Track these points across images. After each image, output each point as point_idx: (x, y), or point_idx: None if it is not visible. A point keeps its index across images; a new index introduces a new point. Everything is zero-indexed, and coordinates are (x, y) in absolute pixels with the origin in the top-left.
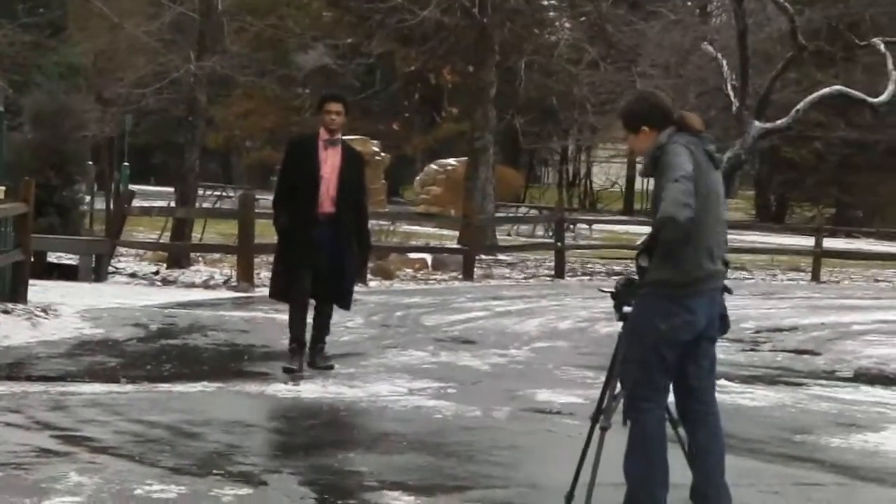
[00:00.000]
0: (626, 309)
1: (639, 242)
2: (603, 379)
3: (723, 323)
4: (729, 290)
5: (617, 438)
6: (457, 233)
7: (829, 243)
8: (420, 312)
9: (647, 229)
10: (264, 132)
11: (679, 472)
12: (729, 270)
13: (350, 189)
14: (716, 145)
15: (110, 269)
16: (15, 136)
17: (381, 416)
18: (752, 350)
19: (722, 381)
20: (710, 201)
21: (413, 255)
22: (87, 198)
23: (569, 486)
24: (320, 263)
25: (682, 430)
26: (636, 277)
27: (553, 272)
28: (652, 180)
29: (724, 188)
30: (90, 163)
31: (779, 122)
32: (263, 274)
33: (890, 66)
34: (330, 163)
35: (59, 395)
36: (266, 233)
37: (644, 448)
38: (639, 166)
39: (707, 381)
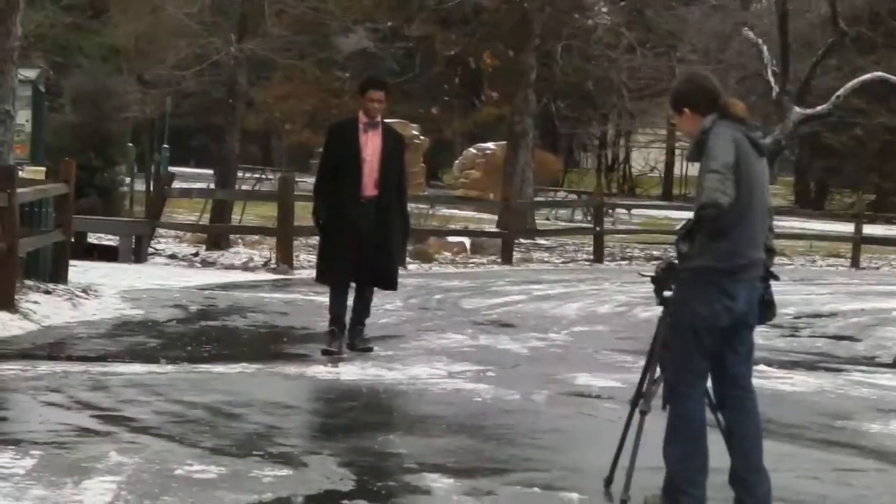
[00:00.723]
0: (666, 293)
1: (679, 227)
2: (642, 363)
3: (769, 310)
4: (776, 277)
5: (657, 422)
6: (495, 217)
7: (869, 229)
8: (459, 296)
9: (686, 214)
10: (304, 115)
11: (718, 456)
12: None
13: (392, 171)
14: (761, 133)
15: (150, 250)
16: (56, 117)
17: (420, 398)
18: (791, 336)
19: (761, 367)
20: (755, 190)
21: (452, 239)
22: (128, 179)
23: (608, 470)
24: (363, 246)
25: (720, 416)
26: (676, 262)
27: (592, 257)
28: (692, 166)
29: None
30: (130, 144)
31: (819, 108)
32: (302, 256)
33: None
34: (371, 146)
35: (99, 376)
36: (305, 215)
37: (684, 433)
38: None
39: (745, 368)
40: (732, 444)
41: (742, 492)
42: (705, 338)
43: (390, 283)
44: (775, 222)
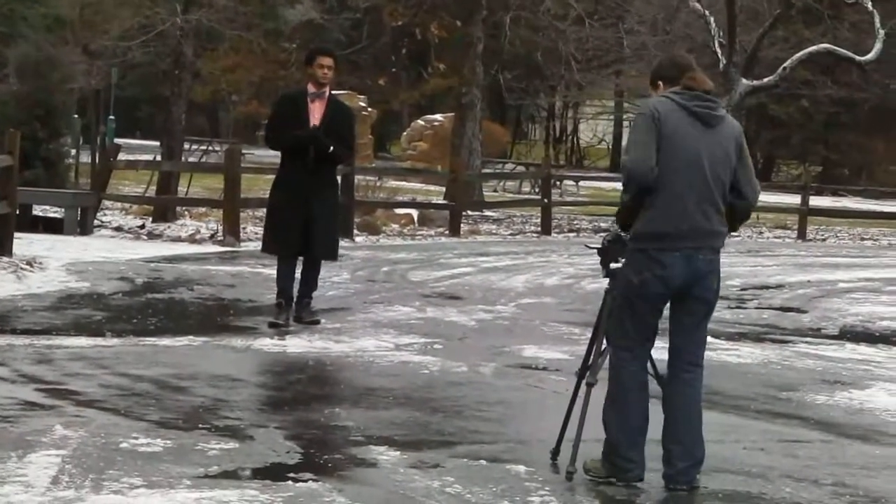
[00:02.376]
0: (613, 265)
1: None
2: (589, 335)
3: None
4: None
5: (603, 394)
6: (443, 188)
7: (816, 201)
8: (406, 268)
9: None
10: (251, 86)
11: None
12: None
13: (335, 142)
14: (713, 104)
15: (96, 222)
16: (0, 88)
17: (367, 371)
18: (738, 307)
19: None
20: (688, 159)
21: (400, 211)
22: (73, 151)
23: (555, 442)
24: (308, 217)
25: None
26: (623, 234)
27: (539, 228)
28: None
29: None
30: (76, 116)
31: (766, 79)
32: (249, 228)
33: (877, 23)
34: (317, 115)
35: (44, 349)
36: (252, 187)
37: (621, 399)
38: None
39: (686, 340)
40: (664, 412)
41: (664, 460)
42: (639, 306)
43: (330, 253)
44: None
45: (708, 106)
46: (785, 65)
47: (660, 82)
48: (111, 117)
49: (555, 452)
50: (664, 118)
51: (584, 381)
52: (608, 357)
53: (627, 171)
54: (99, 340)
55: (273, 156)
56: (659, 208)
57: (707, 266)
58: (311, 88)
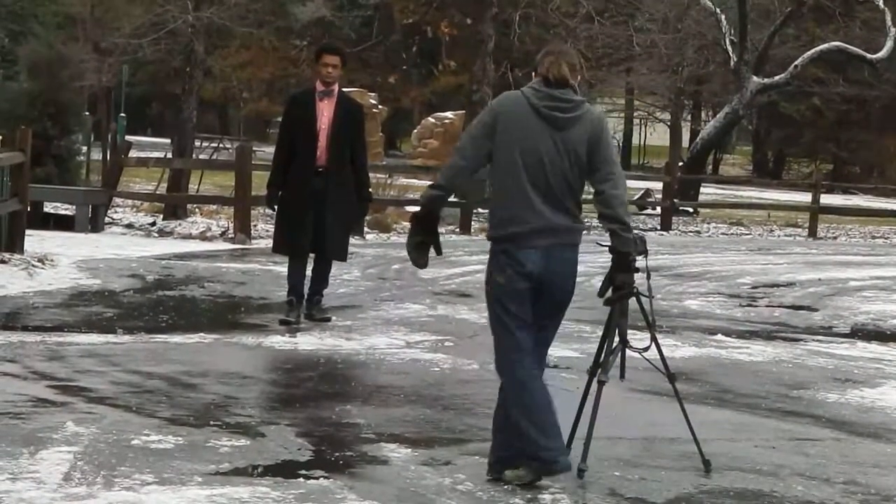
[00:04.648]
0: None
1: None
2: (600, 333)
3: (615, 284)
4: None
5: (614, 392)
6: None
7: (826, 199)
8: None
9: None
10: (262, 83)
11: (672, 427)
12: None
13: (345, 141)
14: (566, 104)
15: (107, 219)
16: (11, 85)
17: (378, 368)
18: (749, 305)
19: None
20: (534, 158)
21: (410, 209)
22: (84, 148)
23: (566, 440)
24: (318, 216)
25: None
26: (636, 232)
27: None
28: (650, 135)
29: (721, 142)
30: (87, 113)
31: (777, 77)
32: (260, 226)
33: (888, 22)
34: (326, 115)
35: (55, 346)
36: (263, 185)
37: (519, 400)
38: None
39: (539, 338)
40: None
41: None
42: (508, 304)
43: (339, 254)
44: (727, 191)
45: (558, 107)
46: (796, 63)
47: (533, 73)
48: (122, 115)
49: (566, 450)
50: (505, 116)
51: (595, 379)
52: (619, 355)
53: (446, 163)
54: (110, 337)
55: None
56: (507, 209)
57: (563, 261)
58: (319, 87)
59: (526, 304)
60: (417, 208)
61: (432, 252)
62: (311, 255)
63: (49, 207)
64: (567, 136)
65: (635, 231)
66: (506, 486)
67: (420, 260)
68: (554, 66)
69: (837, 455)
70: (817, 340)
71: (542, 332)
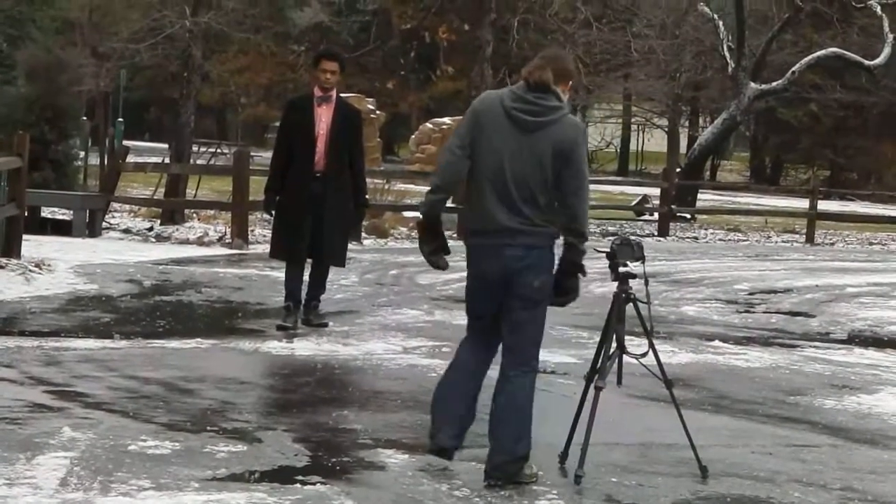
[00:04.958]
0: (622, 269)
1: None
2: (597, 338)
3: (562, 290)
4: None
5: (611, 398)
6: None
7: (824, 205)
8: (414, 271)
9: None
10: (259, 88)
11: (669, 433)
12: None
13: (343, 146)
14: (538, 107)
15: (104, 224)
16: (9, 90)
17: (375, 374)
18: (746, 311)
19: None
20: (496, 158)
21: (408, 214)
22: (82, 153)
23: (563, 446)
24: (316, 221)
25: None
26: (633, 238)
27: None
28: (648, 141)
29: (719, 148)
30: (85, 118)
31: (775, 83)
32: (258, 231)
33: (886, 28)
34: (325, 120)
35: (52, 351)
36: (260, 190)
37: (447, 370)
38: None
39: (510, 337)
40: (491, 418)
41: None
42: (473, 296)
43: (338, 260)
44: (725, 197)
45: (529, 110)
46: (794, 69)
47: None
48: (120, 119)
49: (563, 456)
50: (482, 114)
51: (592, 385)
52: (616, 361)
53: (438, 164)
54: (107, 342)
55: None
56: (472, 206)
57: (517, 262)
58: (317, 92)
59: (481, 302)
60: (419, 215)
61: (449, 258)
62: (309, 260)
63: (46, 212)
64: (534, 141)
65: (633, 237)
66: (503, 492)
67: (440, 262)
68: (537, 70)
69: (834, 461)
70: (814, 346)
71: (512, 335)
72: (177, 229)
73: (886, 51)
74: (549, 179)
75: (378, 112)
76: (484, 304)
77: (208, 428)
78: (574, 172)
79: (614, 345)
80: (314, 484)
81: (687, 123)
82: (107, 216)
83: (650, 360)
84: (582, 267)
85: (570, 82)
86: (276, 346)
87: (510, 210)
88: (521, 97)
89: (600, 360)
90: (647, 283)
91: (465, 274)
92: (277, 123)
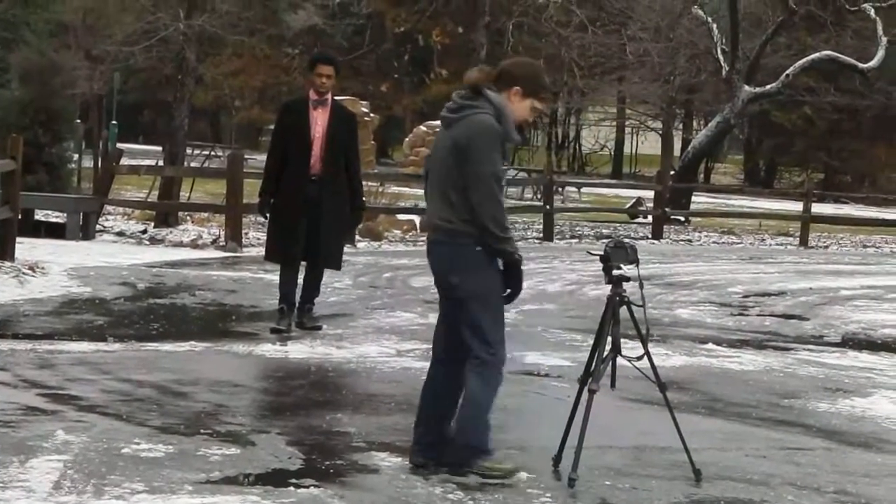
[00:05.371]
0: (615, 272)
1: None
2: (591, 342)
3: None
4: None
5: (605, 401)
6: None
7: (818, 208)
8: (408, 274)
9: (636, 192)
10: (253, 91)
11: (664, 435)
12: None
13: (339, 149)
14: (455, 105)
15: (98, 227)
16: (2, 93)
17: (369, 377)
18: (740, 314)
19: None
20: (433, 159)
21: (402, 217)
22: (76, 156)
23: (556, 449)
24: (311, 224)
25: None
26: (627, 241)
27: (541, 235)
28: (642, 143)
29: (713, 151)
30: (78, 120)
31: (769, 86)
32: (252, 234)
33: (880, 31)
34: (320, 123)
35: (46, 354)
36: (255, 192)
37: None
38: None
39: (447, 338)
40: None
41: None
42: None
43: (333, 263)
44: (719, 200)
45: (449, 107)
46: (787, 72)
47: None
48: (113, 122)
49: (557, 459)
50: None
51: (586, 388)
52: (610, 364)
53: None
54: (101, 345)
55: None
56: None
57: (437, 256)
58: (313, 96)
59: (440, 297)
60: (517, 258)
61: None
62: (304, 263)
63: (40, 215)
64: (448, 137)
65: (626, 240)
66: (497, 495)
67: None
68: (474, 70)
69: (828, 464)
70: (808, 349)
71: (456, 325)
72: (171, 232)
73: (880, 54)
74: (455, 176)
75: (372, 115)
76: (441, 298)
77: (202, 431)
78: (470, 168)
79: (608, 348)
80: (308, 487)
81: (681, 126)
82: (100, 219)
83: (644, 363)
84: (516, 261)
85: (518, 88)
86: (269, 349)
87: (433, 208)
88: (453, 96)
89: (594, 363)
90: (641, 286)
91: None
92: (271, 126)
